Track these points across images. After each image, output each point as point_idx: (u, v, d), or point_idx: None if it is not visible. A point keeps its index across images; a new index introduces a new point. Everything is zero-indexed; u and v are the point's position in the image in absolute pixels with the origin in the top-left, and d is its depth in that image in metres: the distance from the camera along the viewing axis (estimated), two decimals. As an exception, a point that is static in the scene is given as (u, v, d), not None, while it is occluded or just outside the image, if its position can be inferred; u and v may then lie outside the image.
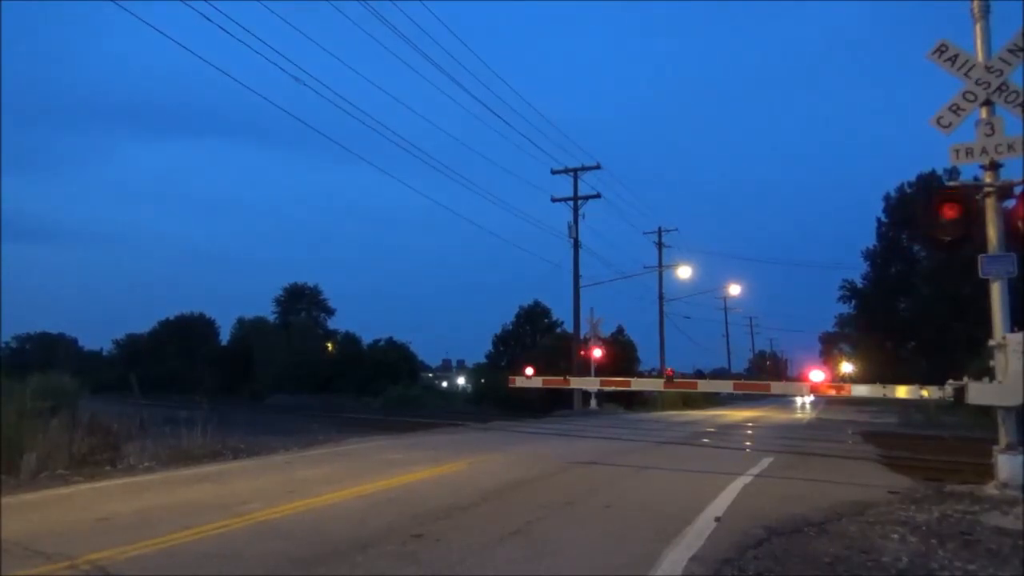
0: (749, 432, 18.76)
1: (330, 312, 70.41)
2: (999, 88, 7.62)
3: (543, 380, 14.37)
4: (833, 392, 11.08)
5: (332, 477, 8.40)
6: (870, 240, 45.97)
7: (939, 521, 5.97)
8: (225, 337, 69.29)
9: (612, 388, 22.55)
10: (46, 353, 65.79)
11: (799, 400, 51.82)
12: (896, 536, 5.46)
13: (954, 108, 7.85)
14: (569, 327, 35.82)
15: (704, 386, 17.58)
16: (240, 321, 67.01)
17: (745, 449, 13.42)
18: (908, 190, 42.84)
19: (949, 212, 7.66)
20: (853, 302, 49.51)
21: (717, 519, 6.07)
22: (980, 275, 7.56)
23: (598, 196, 32.93)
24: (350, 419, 23.52)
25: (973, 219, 7.67)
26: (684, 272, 40.39)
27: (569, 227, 32.54)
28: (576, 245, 32.56)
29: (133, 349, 69.03)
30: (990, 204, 7.63)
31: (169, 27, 14.29)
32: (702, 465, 10.19)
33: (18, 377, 12.37)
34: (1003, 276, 7.46)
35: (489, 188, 28.46)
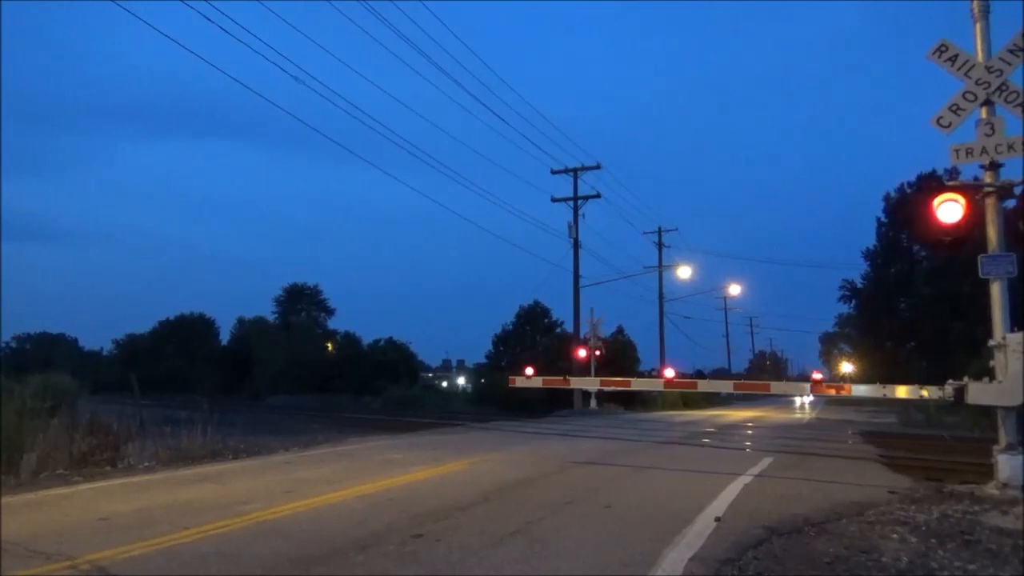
0: (749, 432, 18.75)
1: (330, 312, 70.41)
2: (999, 88, 7.62)
3: (543, 380, 14.37)
4: (833, 392, 11.09)
5: (332, 477, 8.40)
6: (870, 240, 45.99)
7: (939, 521, 5.97)
8: (225, 337, 69.33)
9: (612, 388, 22.58)
10: (46, 353, 65.80)
11: (798, 400, 51.83)
12: (896, 536, 5.46)
13: (954, 108, 7.85)
14: (569, 327, 35.83)
15: (704, 386, 17.56)
16: (240, 321, 67.02)
17: (745, 449, 13.42)
18: (908, 190, 42.82)
19: (949, 212, 7.65)
20: (853, 302, 49.50)
21: (717, 519, 6.07)
22: (980, 275, 7.56)
23: (598, 196, 32.94)
24: (350, 419, 23.51)
25: (973, 219, 7.67)
26: (684, 272, 40.38)
27: (569, 227, 32.55)
28: (576, 245, 32.57)
29: (133, 349, 68.97)
30: (990, 204, 7.63)
31: (169, 27, 14.29)
32: (702, 465, 10.19)
33: (18, 377, 12.37)
34: (1003, 276, 7.46)
35: (489, 188, 28.46)
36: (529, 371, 15.81)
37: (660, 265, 42.27)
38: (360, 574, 4.43)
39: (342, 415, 26.47)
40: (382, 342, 55.33)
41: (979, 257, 7.54)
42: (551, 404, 30.57)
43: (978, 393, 7.36)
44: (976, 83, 7.73)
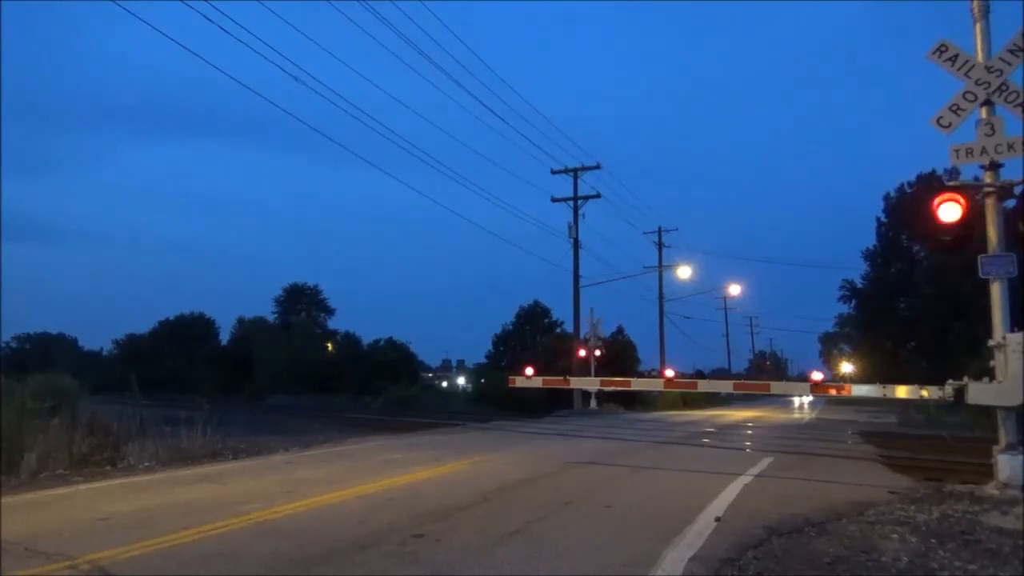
0: (749, 432, 18.75)
1: (330, 312, 70.34)
2: (999, 88, 7.62)
3: (543, 380, 14.36)
4: (833, 392, 11.09)
5: (332, 477, 8.40)
6: (870, 240, 45.99)
7: (939, 521, 5.97)
8: (225, 337, 69.23)
9: (612, 388, 22.55)
10: (46, 353, 65.75)
11: (797, 400, 51.81)
12: (896, 536, 5.46)
13: (954, 108, 7.85)
14: (569, 327, 35.83)
15: (704, 386, 17.54)
16: (240, 321, 66.91)
17: (745, 449, 13.42)
18: (908, 190, 42.81)
19: (949, 212, 7.65)
20: (853, 302, 49.48)
21: (717, 519, 6.07)
22: (980, 275, 7.56)
23: (598, 196, 32.92)
24: (350, 419, 23.50)
25: (973, 219, 7.67)
26: (684, 272, 40.38)
27: (569, 227, 32.54)
28: (576, 245, 32.56)
29: (133, 349, 68.87)
30: (990, 204, 7.63)
31: (169, 27, 14.30)
32: (702, 465, 10.19)
33: (18, 377, 12.35)
34: (1003, 276, 7.46)
35: (489, 188, 28.32)
36: (529, 371, 15.78)
37: (660, 265, 42.29)
38: (360, 574, 4.43)
39: (342, 415, 26.46)
40: (382, 342, 55.29)
41: (979, 257, 7.54)
42: (551, 404, 30.56)
43: (978, 393, 7.37)
44: (976, 83, 7.73)
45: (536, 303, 49.94)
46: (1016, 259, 7.49)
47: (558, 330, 45.40)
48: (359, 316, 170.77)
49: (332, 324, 68.21)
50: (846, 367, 63.42)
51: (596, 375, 28.32)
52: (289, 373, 52.65)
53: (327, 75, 16.87)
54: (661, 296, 43.40)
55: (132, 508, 6.44)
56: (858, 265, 47.56)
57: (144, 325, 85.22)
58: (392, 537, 5.29)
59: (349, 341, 59.10)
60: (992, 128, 7.64)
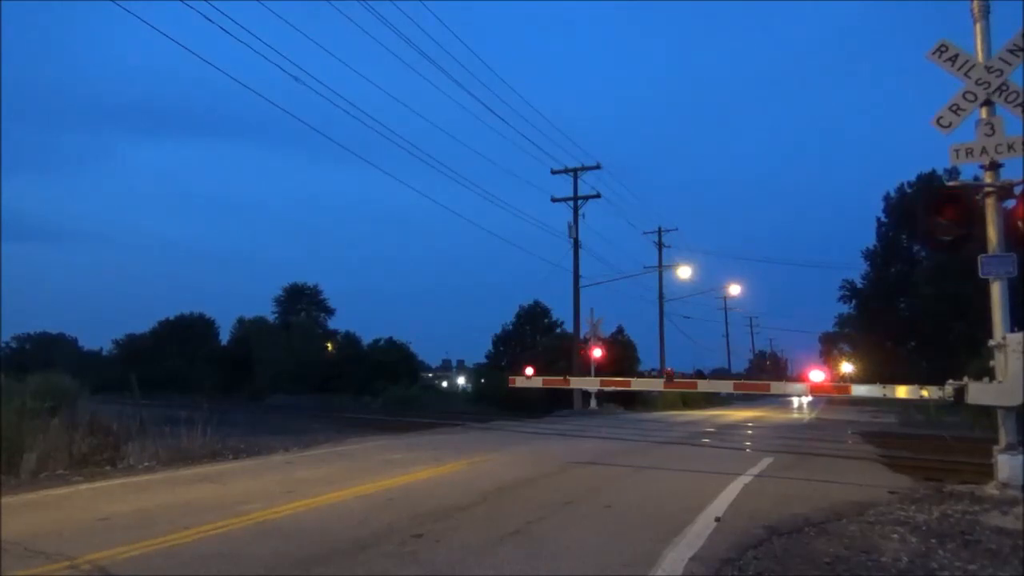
0: (749, 432, 18.75)
1: (330, 312, 70.39)
2: (999, 88, 7.62)
3: (543, 380, 14.37)
4: (833, 392, 11.09)
5: (332, 477, 8.40)
6: (870, 240, 46.03)
7: (939, 521, 5.97)
8: (225, 337, 69.25)
9: (612, 388, 22.57)
10: (46, 353, 65.75)
11: (796, 400, 51.77)
12: (896, 536, 5.46)
13: (954, 108, 7.84)
14: (569, 327, 35.84)
15: (704, 386, 17.53)
16: (240, 321, 66.93)
17: (745, 449, 13.42)
18: (908, 190, 42.85)
19: (949, 212, 7.65)
20: (853, 302, 49.53)
21: (717, 519, 6.07)
22: (980, 275, 7.56)
23: (598, 196, 32.93)
24: (350, 419, 23.52)
25: (973, 219, 7.67)
26: (684, 272, 40.40)
27: (569, 227, 32.54)
28: (576, 245, 32.57)
29: (133, 349, 68.87)
30: (990, 204, 7.62)
31: (169, 27, 14.29)
32: (702, 465, 10.19)
33: (18, 377, 12.36)
34: (1003, 276, 7.45)
35: (489, 188, 28.32)
36: (529, 371, 15.78)
37: (660, 265, 42.30)
38: (360, 574, 4.43)
39: (342, 415, 26.47)
40: (382, 342, 55.32)
41: (979, 257, 7.53)
42: (551, 404, 30.56)
43: (978, 393, 7.36)
44: (976, 83, 7.73)
45: (536, 303, 50.02)
46: (1016, 259, 7.48)
47: (558, 330, 45.45)
48: (359, 316, 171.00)
49: (332, 324, 68.32)
50: (846, 367, 63.35)
51: (596, 375, 28.31)
52: (289, 373, 52.68)
53: (327, 75, 16.89)
54: (661, 296, 43.44)
55: (132, 508, 6.44)
56: (858, 265, 47.67)
57: (144, 325, 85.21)
58: (392, 537, 5.29)
59: (349, 341, 59.12)
60: (992, 128, 7.64)
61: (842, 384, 10.88)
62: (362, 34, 20.44)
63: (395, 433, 15.78)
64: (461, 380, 73.27)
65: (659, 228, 42.65)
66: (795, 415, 32.62)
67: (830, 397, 42.45)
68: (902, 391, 8.54)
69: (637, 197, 66.08)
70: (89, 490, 7.60)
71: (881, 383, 9.28)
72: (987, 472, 7.54)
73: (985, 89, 7.67)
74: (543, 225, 64.62)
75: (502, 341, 50.26)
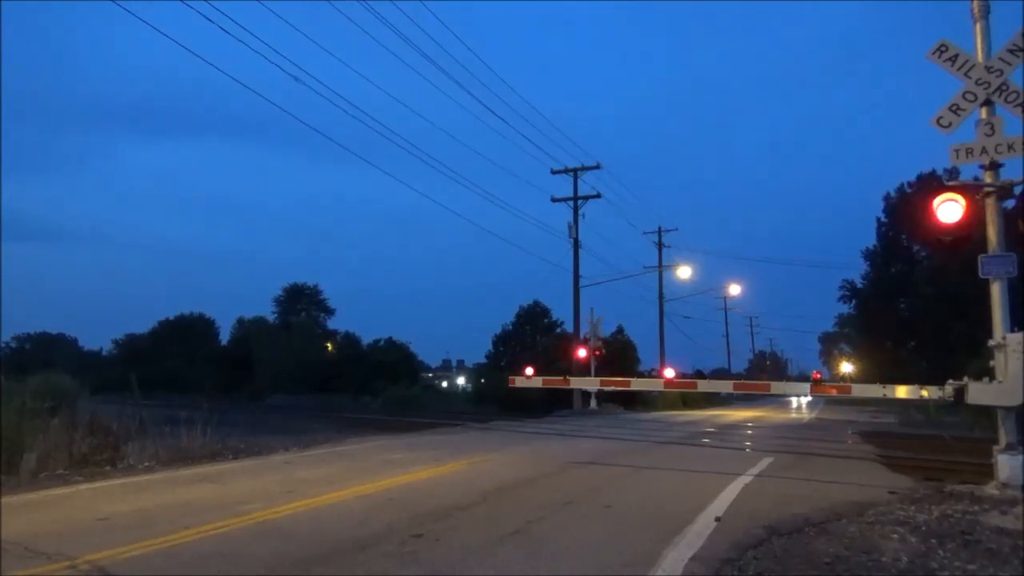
0: (749, 432, 18.75)
1: (330, 312, 70.34)
2: (999, 88, 7.62)
3: (543, 380, 14.40)
4: (834, 392, 11.10)
5: (332, 477, 8.41)
6: (870, 240, 45.99)
7: (939, 521, 5.97)
8: (225, 337, 69.21)
9: (612, 388, 22.57)
10: (46, 353, 65.72)
11: (795, 400, 51.74)
12: (896, 536, 5.46)
13: (954, 108, 7.85)
14: (569, 327, 35.82)
15: (704, 386, 17.58)
16: (240, 321, 66.92)
17: (745, 449, 13.42)
18: (908, 190, 42.81)
19: (949, 212, 7.65)
20: (853, 302, 49.49)
21: (717, 519, 6.07)
22: (980, 275, 7.56)
23: (598, 196, 32.93)
24: (350, 419, 23.51)
25: (973, 219, 7.67)
26: (684, 272, 40.39)
27: (569, 227, 32.54)
28: (576, 245, 32.57)
29: (133, 349, 68.83)
30: (990, 204, 7.63)
31: (169, 27, 14.29)
32: (702, 465, 10.19)
33: (18, 377, 12.36)
34: (1003, 276, 7.46)
35: (489, 188, 28.35)
36: (529, 371, 15.80)
37: (660, 265, 42.29)
38: (360, 574, 4.43)
39: (342, 415, 26.47)
40: (382, 342, 55.31)
41: (979, 257, 7.54)
42: (551, 404, 30.56)
43: (978, 393, 7.37)
44: (976, 83, 7.73)
45: (536, 303, 49.93)
46: (1016, 259, 7.49)
47: (558, 330, 45.37)
48: (359, 316, 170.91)
49: (332, 324, 68.29)
50: (846, 367, 63.44)
51: (596, 375, 28.32)
52: (289, 373, 52.67)
53: (327, 75, 16.88)
54: (661, 296, 43.43)
55: (132, 508, 6.44)
56: (858, 265, 47.60)
57: (144, 325, 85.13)
58: (392, 537, 5.29)
59: (349, 341, 59.11)
60: (992, 128, 7.64)
61: (842, 384, 10.89)
62: (362, 34, 20.42)
63: (395, 433, 15.78)
64: (461, 380, 73.28)
65: (659, 228, 42.66)
66: (795, 415, 32.63)
67: (830, 397, 42.49)
68: (902, 391, 8.54)
69: (637, 197, 66.24)
70: (89, 490, 7.60)
71: (881, 383, 9.28)
72: (987, 472, 7.54)
73: (985, 89, 7.68)
74: (543, 225, 64.68)
75: (502, 341, 50.20)
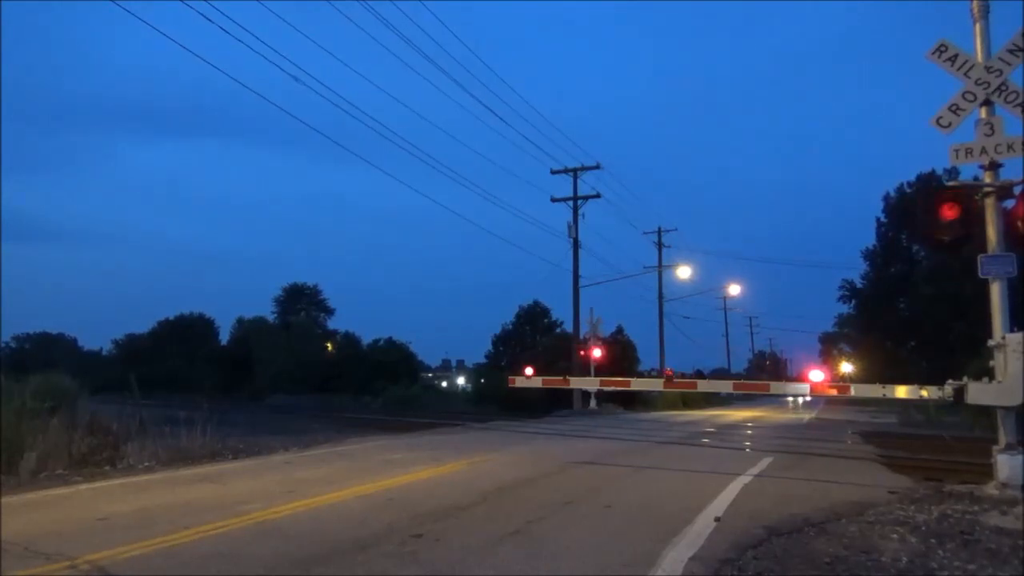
0: (749, 432, 18.76)
1: (330, 312, 70.38)
2: (999, 88, 7.63)
3: (543, 380, 14.38)
4: (834, 392, 11.09)
5: (332, 477, 8.41)
6: (870, 240, 45.99)
7: (939, 521, 5.97)
8: (225, 337, 69.26)
9: (612, 388, 22.59)
10: (46, 353, 65.73)
11: (790, 401, 51.67)
12: (896, 536, 5.46)
13: (954, 108, 7.85)
14: (569, 327, 35.83)
15: (704, 386, 17.53)
16: (240, 321, 66.92)
17: (745, 449, 13.42)
18: (908, 190, 42.82)
19: (949, 212, 7.65)
20: (853, 302, 49.50)
21: (717, 519, 6.07)
22: (980, 275, 7.56)
23: (598, 196, 32.93)
24: (350, 419, 23.52)
25: (973, 219, 7.67)
26: (684, 272, 40.42)
27: (569, 227, 32.54)
28: (576, 245, 32.57)
29: (133, 349, 68.88)
30: (990, 204, 7.63)
31: (169, 27, 14.29)
32: (702, 465, 10.19)
33: (18, 377, 12.35)
34: (1003, 276, 7.46)
35: (489, 188, 28.35)
36: (529, 371, 15.77)
37: (660, 265, 42.30)
38: (360, 574, 4.43)
39: (342, 415, 26.48)
40: (382, 342, 55.33)
41: (979, 257, 7.54)
42: (551, 404, 30.56)
43: (978, 393, 7.37)
44: (976, 83, 7.73)
45: (536, 303, 49.96)
46: (1016, 259, 7.49)
47: (558, 330, 45.40)
48: (359, 316, 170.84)
49: (332, 324, 68.32)
50: (846, 367, 63.38)
51: (596, 375, 28.31)
52: (289, 373, 52.69)
53: (327, 75, 16.88)
54: (661, 296, 43.43)
55: (132, 508, 6.44)
56: (858, 265, 47.61)
57: (144, 325, 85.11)
58: (392, 537, 5.29)
59: (349, 341, 59.12)
60: (992, 128, 7.64)
61: (842, 384, 10.89)
62: (362, 34, 20.41)
63: (395, 433, 15.77)
64: (461, 380, 73.27)
65: (659, 228, 42.69)
66: (795, 415, 32.62)
67: (829, 397, 42.50)
68: (902, 391, 8.55)
69: (637, 197, 66.25)
70: (89, 490, 7.60)
71: (881, 383, 9.28)
72: (987, 472, 7.54)
73: (985, 89, 7.68)
74: (543, 225, 64.52)
75: (502, 341, 50.22)
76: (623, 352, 39.28)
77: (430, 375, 77.97)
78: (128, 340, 73.27)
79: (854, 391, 10.07)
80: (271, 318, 66.96)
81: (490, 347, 50.98)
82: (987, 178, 7.71)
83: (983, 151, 7.64)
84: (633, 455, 11.80)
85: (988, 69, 7.69)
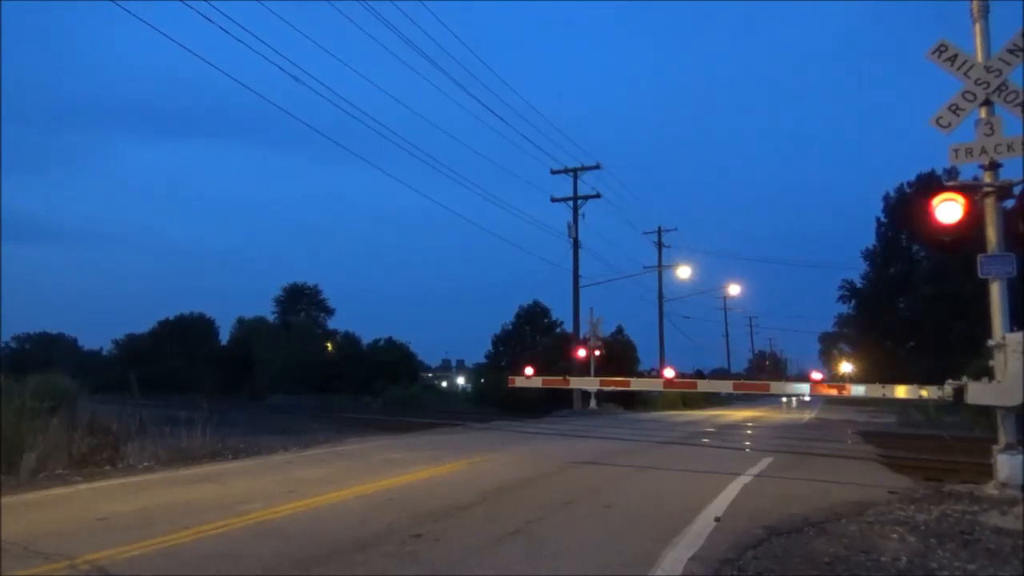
0: (749, 432, 18.76)
1: (330, 312, 70.39)
2: (998, 88, 7.63)
3: (543, 380, 14.39)
4: (834, 392, 11.10)
5: (332, 477, 8.41)
6: (870, 240, 46.02)
7: (938, 521, 5.97)
8: (225, 337, 69.24)
9: (612, 388, 22.56)
10: (46, 353, 65.73)
11: (783, 399, 51.61)
12: (896, 536, 5.46)
13: (953, 108, 7.85)
14: (569, 327, 35.83)
15: (704, 386, 17.57)
16: (240, 321, 66.91)
17: (745, 449, 13.42)
18: (908, 190, 42.82)
19: (948, 212, 7.65)
20: (853, 302, 49.55)
21: (717, 519, 6.07)
22: (979, 275, 7.56)
23: (598, 196, 32.93)
24: (350, 419, 23.51)
25: (972, 219, 7.67)
26: (684, 272, 40.40)
27: (569, 227, 32.55)
28: (576, 245, 32.58)
29: (133, 349, 68.84)
30: (989, 204, 7.63)
31: (169, 27, 14.30)
32: (702, 465, 10.19)
33: (18, 377, 12.35)
34: (1002, 276, 7.46)
35: (489, 188, 28.38)
36: (529, 371, 15.78)
37: (660, 265, 42.30)
38: (360, 574, 4.43)
39: (342, 415, 26.47)
40: (382, 342, 55.32)
41: (979, 257, 7.54)
42: (551, 404, 30.56)
43: (977, 393, 7.37)
44: (975, 83, 7.73)
45: (536, 303, 49.95)
46: (1015, 259, 7.49)
47: (558, 330, 45.40)
48: (359, 316, 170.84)
49: (332, 324, 68.33)
50: (846, 367, 63.41)
51: (596, 375, 28.31)
52: (289, 373, 52.68)
53: (327, 75, 16.89)
54: (661, 296, 43.44)
55: (132, 508, 6.44)
56: (858, 265, 47.65)
57: (144, 325, 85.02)
58: (392, 537, 5.29)
59: (349, 341, 59.12)
60: (991, 128, 7.64)
61: (841, 384, 10.89)
62: (362, 34, 20.41)
63: (395, 433, 15.77)
64: (461, 380, 73.29)
65: (659, 228, 42.71)
66: (794, 415, 32.62)
67: (829, 397, 42.50)
68: (901, 391, 8.55)
69: (637, 197, 66.29)
70: (88, 490, 7.59)
71: (881, 383, 9.28)
72: (987, 472, 7.55)
73: (984, 89, 7.68)
74: (543, 225, 64.54)
75: (502, 341, 50.21)
76: (623, 352, 39.28)
77: (430, 375, 77.97)
78: (128, 340, 73.23)
79: (853, 391, 10.07)
80: (271, 318, 67.00)
81: (490, 347, 51.00)
82: (987, 178, 7.71)
83: (983, 151, 7.64)
84: (633, 455, 11.80)
85: (988, 69, 7.69)
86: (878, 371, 40.01)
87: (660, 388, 27.01)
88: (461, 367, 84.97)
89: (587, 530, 5.67)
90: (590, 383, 24.45)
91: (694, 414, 30.93)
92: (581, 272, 32.69)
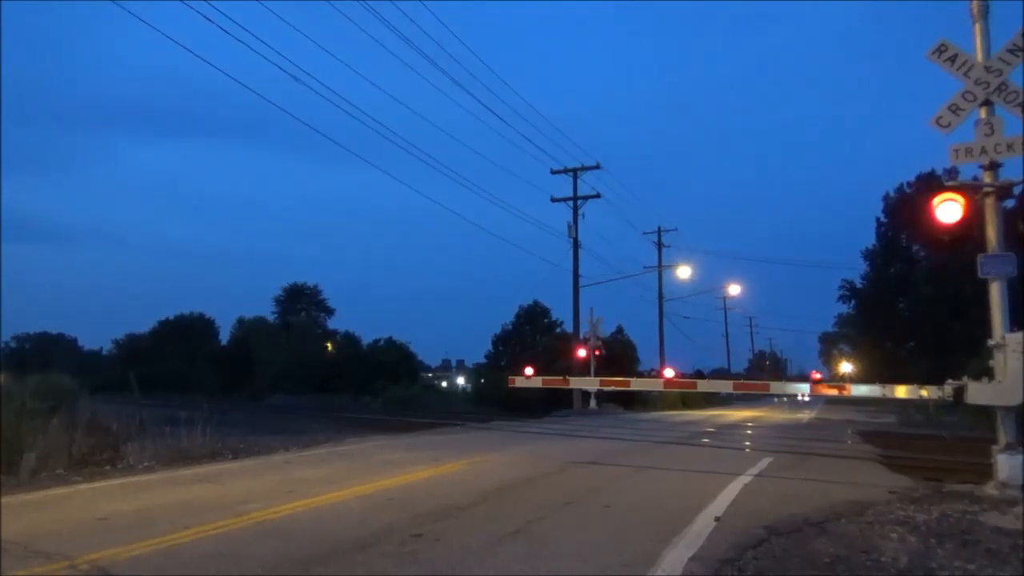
0: (748, 432, 18.76)
1: (330, 312, 70.44)
2: (998, 88, 7.63)
3: (543, 380, 14.43)
4: (833, 392, 11.11)
5: (332, 477, 8.41)
6: (870, 240, 45.99)
7: (938, 521, 5.97)
8: (225, 337, 69.28)
9: (612, 388, 22.59)
10: (46, 353, 65.80)
11: (784, 399, 51.65)
12: (895, 536, 5.46)
13: (953, 108, 7.85)
14: (569, 327, 35.83)
15: (704, 386, 17.61)
16: (240, 321, 66.98)
17: (745, 449, 13.42)
18: (908, 190, 42.81)
19: (948, 212, 7.66)
20: (853, 302, 49.50)
21: (717, 519, 6.07)
22: (979, 275, 7.57)
23: (598, 196, 32.94)
24: (350, 419, 23.51)
25: (972, 219, 7.67)
26: (684, 272, 40.40)
27: (569, 227, 32.55)
28: (576, 245, 32.58)
29: (133, 349, 68.83)
30: (989, 204, 7.63)
31: (169, 27, 14.30)
32: (702, 465, 10.19)
33: (18, 377, 12.36)
34: (1002, 276, 7.46)
35: (489, 188, 28.41)
36: (529, 371, 15.81)
37: (660, 265, 42.30)
38: (360, 574, 4.43)
39: (342, 415, 26.47)
40: (382, 342, 55.36)
41: (979, 257, 7.54)
42: (551, 404, 30.57)
43: (977, 393, 7.37)
44: (975, 83, 7.73)
45: (536, 303, 49.98)
46: (1015, 259, 7.49)
47: (558, 330, 45.41)
48: (359, 316, 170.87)
49: (332, 324, 68.38)
50: (846, 367, 63.48)
51: (596, 375, 28.33)
52: (289, 373, 52.71)
53: (327, 75, 16.88)
54: (661, 296, 43.43)
55: (132, 508, 6.44)
56: (858, 265, 47.58)
57: (144, 325, 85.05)
58: (392, 537, 5.30)
59: (349, 341, 59.16)
60: (991, 128, 7.64)
61: (842, 384, 10.90)
62: (362, 34, 20.42)
63: (395, 433, 15.77)
64: (461, 380, 73.33)
65: (659, 228, 42.69)
66: (794, 415, 32.63)
67: (829, 397, 42.53)
68: (901, 391, 8.55)
69: (637, 197, 66.40)
70: (88, 490, 7.59)
71: (881, 383, 9.28)
72: (986, 472, 7.55)
73: (984, 89, 7.68)
74: (543, 225, 64.53)
75: (502, 341, 50.23)
76: (623, 352, 39.31)
77: (430, 375, 78.02)
78: (128, 340, 73.22)
79: (854, 391, 10.08)
80: (271, 318, 67.05)
81: (490, 347, 51.03)
82: (987, 178, 7.71)
83: (983, 151, 7.64)
84: (633, 455, 11.80)
85: (988, 69, 7.70)
86: (878, 371, 40.01)
87: (660, 388, 27.03)
88: (461, 367, 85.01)
89: (587, 530, 5.67)
90: (590, 383, 24.48)
91: (694, 414, 30.94)
92: (581, 272, 32.72)
